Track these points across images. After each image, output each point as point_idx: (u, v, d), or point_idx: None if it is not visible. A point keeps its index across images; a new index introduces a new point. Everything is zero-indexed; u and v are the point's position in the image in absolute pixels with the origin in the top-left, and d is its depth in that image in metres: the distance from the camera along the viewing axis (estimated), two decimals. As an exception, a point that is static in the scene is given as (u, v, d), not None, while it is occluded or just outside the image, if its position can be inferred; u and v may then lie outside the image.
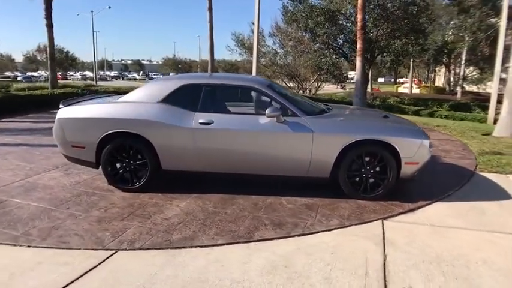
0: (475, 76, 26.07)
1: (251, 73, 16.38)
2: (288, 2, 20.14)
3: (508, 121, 7.46)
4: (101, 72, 67.61)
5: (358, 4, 14.71)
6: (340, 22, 19.42)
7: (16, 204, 3.62)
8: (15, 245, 2.82)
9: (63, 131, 4.03)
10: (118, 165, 4.01)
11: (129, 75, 72.14)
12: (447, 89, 38.86)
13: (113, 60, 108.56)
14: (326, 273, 2.51)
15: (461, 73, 26.67)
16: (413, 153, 3.79)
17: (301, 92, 22.81)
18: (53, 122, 4.15)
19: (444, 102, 20.19)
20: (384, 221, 3.44)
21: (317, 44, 19.84)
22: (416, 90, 39.12)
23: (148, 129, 3.85)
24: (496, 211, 3.74)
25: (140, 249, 2.80)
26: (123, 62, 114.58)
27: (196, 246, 2.85)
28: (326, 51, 19.93)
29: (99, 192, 4.01)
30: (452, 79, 35.93)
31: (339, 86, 21.14)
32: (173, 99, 3.94)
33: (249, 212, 3.55)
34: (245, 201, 3.83)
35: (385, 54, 20.01)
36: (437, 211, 3.71)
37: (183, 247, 2.84)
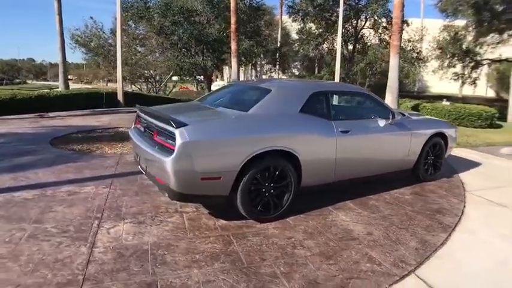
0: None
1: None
2: None
3: (394, 111, 10.33)
4: None
5: (232, 7, 15.52)
6: (194, 19, 19.51)
7: None
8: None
9: (192, 160, 2.85)
10: (255, 192, 3.26)
11: None
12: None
13: None
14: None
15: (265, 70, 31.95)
16: (453, 139, 5.06)
17: (153, 93, 21.40)
18: None
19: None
20: (468, 193, 4.47)
21: (177, 44, 19.25)
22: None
23: (298, 144, 3.34)
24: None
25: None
26: None
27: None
28: (184, 51, 19.66)
29: (246, 231, 3.13)
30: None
31: (198, 87, 21.25)
32: (308, 108, 3.55)
33: (410, 210, 3.81)
34: (376, 202, 4.00)
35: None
36: (474, 180, 5.05)
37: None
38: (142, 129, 3.68)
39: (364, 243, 3.03)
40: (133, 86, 20.77)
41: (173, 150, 2.86)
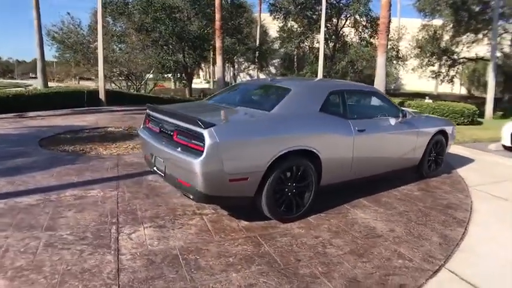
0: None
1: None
2: None
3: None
4: None
5: (216, 3, 15.31)
6: (175, 16, 19.11)
7: None
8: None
9: (222, 161, 2.77)
10: (279, 193, 3.22)
11: None
12: (232, 82, 45.79)
13: None
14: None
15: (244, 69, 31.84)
16: (452, 137, 5.23)
17: (133, 91, 20.79)
18: None
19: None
20: (471, 188, 4.61)
21: (158, 41, 18.80)
22: (206, 85, 43.14)
23: (320, 143, 3.33)
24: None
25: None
26: None
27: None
28: (165, 49, 19.26)
29: (272, 232, 3.08)
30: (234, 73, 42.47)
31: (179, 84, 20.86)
32: (327, 107, 3.56)
33: (423, 206, 3.89)
34: (388, 199, 4.07)
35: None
36: (473, 175, 5.23)
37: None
38: (156, 129, 3.54)
39: (390, 240, 3.07)
40: (112, 84, 20.10)
41: (201, 151, 2.76)
